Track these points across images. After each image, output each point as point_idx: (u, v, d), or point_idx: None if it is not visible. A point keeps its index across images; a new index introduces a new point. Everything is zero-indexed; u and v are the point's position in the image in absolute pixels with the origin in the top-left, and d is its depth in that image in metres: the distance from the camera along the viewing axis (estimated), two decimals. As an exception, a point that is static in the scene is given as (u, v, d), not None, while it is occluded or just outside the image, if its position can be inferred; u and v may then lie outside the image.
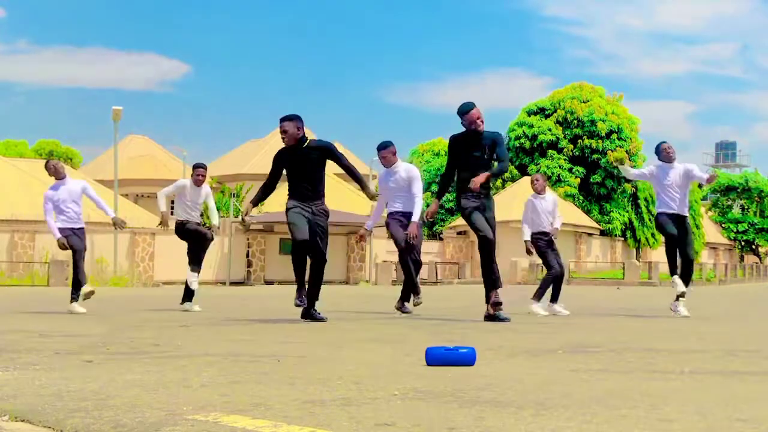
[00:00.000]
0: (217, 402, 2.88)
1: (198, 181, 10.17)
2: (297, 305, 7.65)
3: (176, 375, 3.62)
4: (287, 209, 7.61)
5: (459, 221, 37.25)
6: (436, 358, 4.04)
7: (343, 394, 3.06)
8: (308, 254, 7.55)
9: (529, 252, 9.96)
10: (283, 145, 7.73)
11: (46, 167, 9.76)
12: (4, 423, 2.60)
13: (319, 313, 7.68)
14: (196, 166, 10.35)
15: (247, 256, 32.86)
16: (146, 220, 32.58)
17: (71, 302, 9.43)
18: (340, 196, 33.58)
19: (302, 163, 7.61)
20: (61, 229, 9.43)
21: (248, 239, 32.71)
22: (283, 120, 7.60)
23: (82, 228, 9.59)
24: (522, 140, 44.86)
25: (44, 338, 5.79)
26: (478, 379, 3.51)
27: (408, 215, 8.99)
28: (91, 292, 9.48)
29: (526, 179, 40.93)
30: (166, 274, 28.41)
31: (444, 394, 3.07)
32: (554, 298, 9.83)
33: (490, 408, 2.77)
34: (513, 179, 43.00)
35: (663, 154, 9.40)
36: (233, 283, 30.50)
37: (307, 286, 7.62)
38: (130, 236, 29.71)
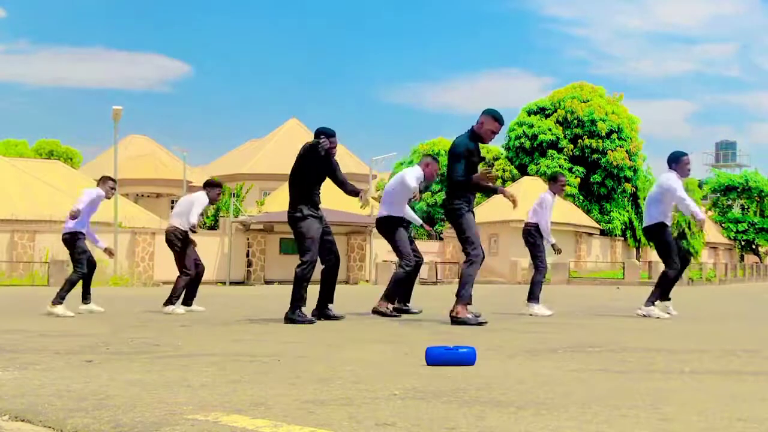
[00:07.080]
0: (217, 402, 2.88)
1: (213, 200, 10.25)
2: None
3: (176, 375, 3.62)
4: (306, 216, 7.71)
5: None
6: (436, 358, 4.04)
7: (343, 394, 3.06)
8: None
9: (559, 251, 9.67)
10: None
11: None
12: (4, 423, 2.60)
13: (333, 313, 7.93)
14: (210, 185, 10.26)
15: (247, 255, 32.83)
16: (146, 220, 32.58)
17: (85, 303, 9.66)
18: (339, 196, 33.52)
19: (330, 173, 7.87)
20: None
21: (248, 239, 32.68)
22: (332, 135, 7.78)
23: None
24: (522, 140, 44.84)
25: (44, 338, 5.79)
26: (478, 379, 3.51)
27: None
28: None
29: (527, 179, 40.94)
30: (166, 274, 28.35)
31: (444, 394, 3.07)
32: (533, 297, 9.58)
33: (490, 408, 2.77)
34: (513, 179, 43.00)
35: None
36: (233, 283, 30.50)
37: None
38: (130, 236, 29.73)
